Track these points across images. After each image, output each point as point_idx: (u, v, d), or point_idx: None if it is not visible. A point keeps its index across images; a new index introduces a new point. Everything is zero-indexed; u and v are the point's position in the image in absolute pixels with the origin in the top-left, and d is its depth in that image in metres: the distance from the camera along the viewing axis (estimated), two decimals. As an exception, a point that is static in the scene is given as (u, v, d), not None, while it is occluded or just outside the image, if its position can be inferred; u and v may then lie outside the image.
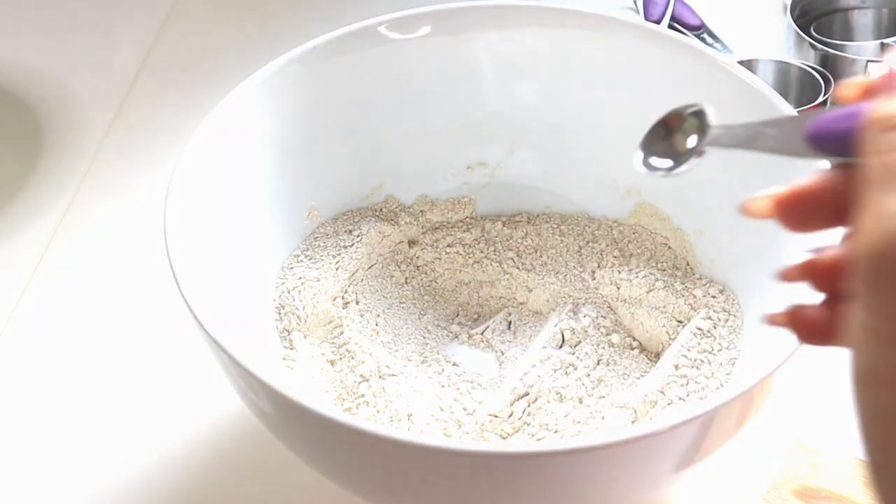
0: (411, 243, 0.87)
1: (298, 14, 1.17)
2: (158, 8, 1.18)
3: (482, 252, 0.87)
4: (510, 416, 0.76)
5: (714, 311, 0.80)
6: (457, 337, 0.82)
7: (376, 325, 0.82)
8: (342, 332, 0.79)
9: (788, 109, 0.78)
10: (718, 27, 1.11)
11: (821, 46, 1.03)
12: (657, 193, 0.86)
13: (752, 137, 0.53)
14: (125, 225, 0.97)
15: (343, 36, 0.85)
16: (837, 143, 0.47)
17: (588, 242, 0.87)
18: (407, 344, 0.81)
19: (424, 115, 0.88)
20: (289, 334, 0.79)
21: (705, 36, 1.10)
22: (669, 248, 0.85)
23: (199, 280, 0.70)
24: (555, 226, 0.88)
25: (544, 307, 0.84)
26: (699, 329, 0.78)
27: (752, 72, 0.88)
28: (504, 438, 0.75)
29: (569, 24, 0.86)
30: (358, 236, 0.85)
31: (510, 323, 0.83)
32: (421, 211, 0.88)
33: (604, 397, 0.77)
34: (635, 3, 1.14)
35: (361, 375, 0.77)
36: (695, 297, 0.81)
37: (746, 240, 0.80)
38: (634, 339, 0.81)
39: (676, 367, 0.76)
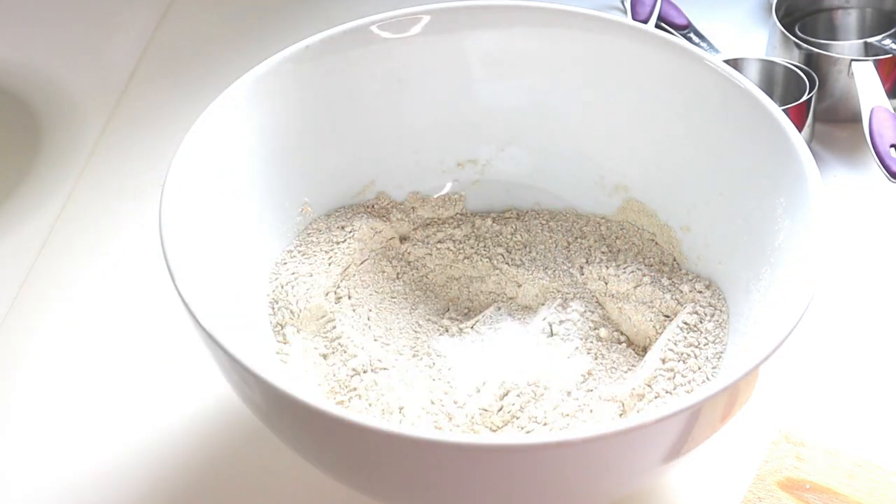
0: (403, 239, 0.88)
1: (291, 13, 1.17)
2: (154, 7, 1.18)
3: (472, 248, 0.87)
4: (500, 409, 0.76)
5: (700, 305, 0.80)
6: (447, 331, 0.83)
7: (368, 319, 0.82)
8: (335, 327, 0.80)
9: (774, 107, 0.79)
10: (705, 27, 1.12)
11: (805, 45, 1.04)
12: (645, 190, 0.87)
13: None
14: (121, 221, 0.97)
15: (335, 35, 0.85)
16: None
17: (576, 238, 0.87)
18: (398, 338, 0.82)
19: (416, 113, 0.88)
20: (282, 329, 0.79)
21: (692, 35, 1.11)
22: (656, 244, 0.86)
23: (194, 275, 0.71)
24: (544, 222, 0.89)
25: (533, 302, 0.84)
26: (686, 324, 0.79)
27: (738, 70, 0.89)
28: (494, 431, 0.75)
29: (557, 23, 0.86)
30: (350, 232, 0.85)
31: (500, 318, 0.84)
32: (412, 207, 0.89)
33: (592, 391, 0.77)
34: (623, 2, 1.15)
35: (353, 369, 0.77)
36: (681, 292, 0.82)
37: (732, 236, 0.81)
38: (622, 333, 0.82)
39: (663, 360, 0.77)
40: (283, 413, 0.68)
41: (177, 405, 0.84)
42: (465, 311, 0.85)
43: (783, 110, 0.80)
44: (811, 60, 1.03)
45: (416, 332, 0.82)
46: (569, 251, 0.87)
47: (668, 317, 0.81)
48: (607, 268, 0.84)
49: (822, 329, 0.84)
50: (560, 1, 0.90)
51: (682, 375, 0.76)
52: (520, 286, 0.85)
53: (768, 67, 1.04)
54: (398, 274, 0.86)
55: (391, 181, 0.89)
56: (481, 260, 0.86)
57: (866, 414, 0.83)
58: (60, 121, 1.06)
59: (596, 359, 0.80)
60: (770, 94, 1.02)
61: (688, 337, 0.78)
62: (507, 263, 0.86)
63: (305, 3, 1.18)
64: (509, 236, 0.88)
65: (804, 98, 0.99)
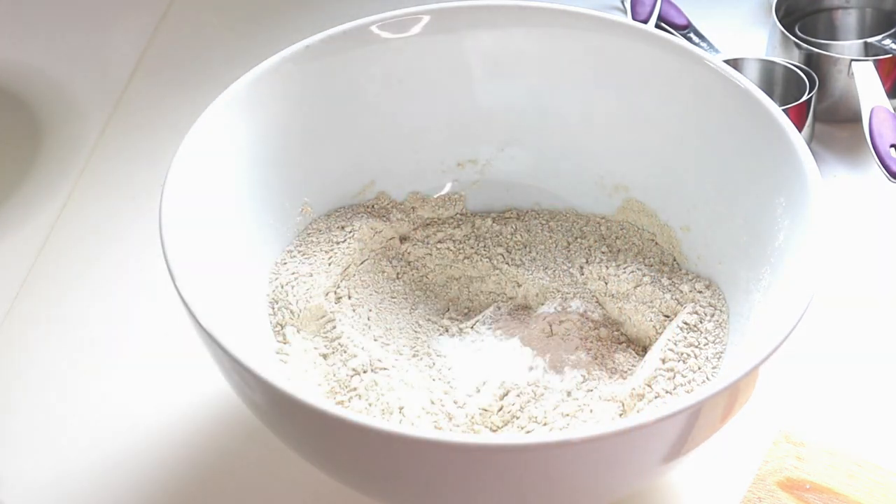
0: (403, 239, 0.88)
1: (292, 13, 1.17)
2: (154, 7, 1.18)
3: (472, 248, 0.87)
4: (500, 409, 0.76)
5: (700, 305, 0.80)
6: (447, 331, 0.83)
7: (368, 319, 0.82)
8: (335, 327, 0.80)
9: (774, 107, 0.79)
10: (705, 27, 1.12)
11: (805, 45, 1.04)
12: (644, 190, 0.87)
13: None
14: (121, 221, 0.97)
15: (335, 35, 0.85)
16: None
17: (576, 238, 0.87)
18: (398, 338, 0.82)
19: (416, 113, 0.88)
20: (282, 328, 0.79)
21: (692, 35, 1.11)
22: (656, 244, 0.86)
23: (194, 275, 0.71)
24: (544, 222, 0.89)
25: (533, 302, 0.84)
26: (686, 323, 0.79)
27: (738, 70, 0.89)
28: (494, 431, 0.75)
29: (557, 23, 0.87)
30: (350, 232, 0.85)
31: (500, 317, 0.84)
32: (412, 207, 0.89)
33: (592, 390, 0.77)
34: (623, 2, 1.15)
35: (353, 369, 0.77)
36: (681, 292, 0.82)
37: (732, 236, 0.81)
38: (622, 333, 0.82)
39: (663, 360, 0.77)
40: (283, 413, 0.68)
41: (177, 405, 0.84)
42: (465, 311, 0.85)
43: (783, 110, 0.80)
44: (811, 60, 1.03)
45: (416, 332, 0.82)
46: (569, 251, 0.87)
47: (668, 317, 0.81)
48: (607, 268, 0.84)
49: (822, 329, 0.84)
50: (560, 1, 0.90)
51: (682, 375, 0.76)
52: (520, 286, 0.85)
53: (768, 67, 1.04)
54: (398, 274, 0.86)
55: (391, 181, 0.89)
56: (481, 260, 0.86)
57: (866, 414, 0.83)
58: (60, 121, 1.06)
59: (596, 359, 0.80)
60: (770, 94, 1.02)
61: (688, 337, 0.78)
62: (507, 263, 0.86)
63: (305, 3, 1.18)
64: (509, 236, 0.88)
65: (804, 98, 0.99)
